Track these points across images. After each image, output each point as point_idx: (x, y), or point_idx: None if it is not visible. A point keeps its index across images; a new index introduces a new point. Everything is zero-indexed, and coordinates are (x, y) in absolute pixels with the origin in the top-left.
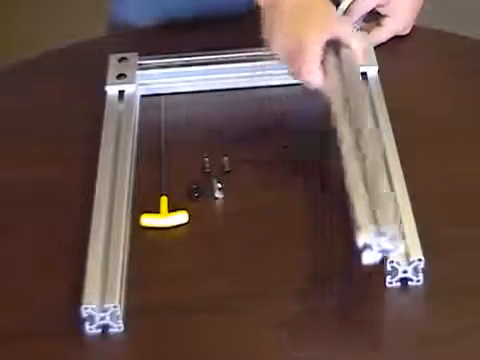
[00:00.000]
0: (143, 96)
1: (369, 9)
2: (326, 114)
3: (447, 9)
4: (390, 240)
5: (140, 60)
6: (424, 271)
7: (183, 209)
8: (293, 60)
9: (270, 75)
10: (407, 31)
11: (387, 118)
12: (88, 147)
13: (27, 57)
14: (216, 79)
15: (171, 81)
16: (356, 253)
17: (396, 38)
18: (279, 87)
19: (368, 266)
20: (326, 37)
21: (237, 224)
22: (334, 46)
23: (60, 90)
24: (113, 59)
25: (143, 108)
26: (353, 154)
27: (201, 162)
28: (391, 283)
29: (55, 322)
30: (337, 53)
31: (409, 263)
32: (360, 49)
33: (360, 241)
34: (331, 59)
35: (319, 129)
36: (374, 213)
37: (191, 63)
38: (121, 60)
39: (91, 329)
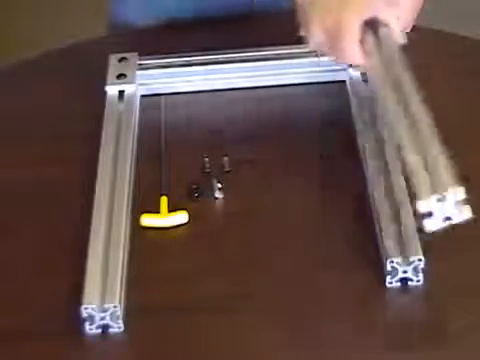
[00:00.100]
0: (143, 96)
1: None
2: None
3: (447, 9)
4: (454, 204)
5: (140, 60)
6: (424, 271)
7: (183, 209)
8: (333, 41)
9: (270, 75)
10: (407, 31)
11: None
12: (88, 147)
13: (27, 57)
14: (216, 79)
15: (171, 81)
16: (356, 253)
17: None
18: (279, 87)
19: (368, 266)
20: (364, 16)
21: (237, 224)
22: (372, 25)
23: (60, 90)
24: (113, 59)
25: (143, 108)
26: (404, 122)
27: (201, 162)
28: (391, 283)
29: (55, 322)
30: (375, 32)
31: (409, 263)
32: (398, 28)
33: (422, 208)
34: (370, 38)
35: (319, 129)
36: (432, 178)
37: (191, 63)
38: (121, 60)
39: (91, 329)
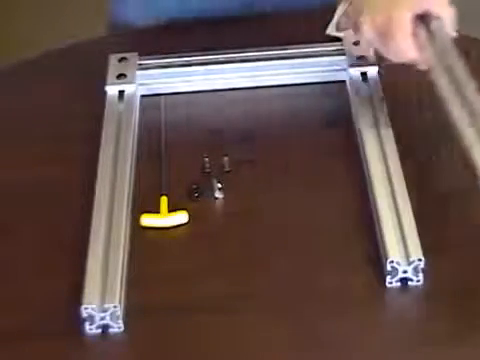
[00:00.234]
0: (143, 96)
1: None
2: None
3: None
4: None
5: (140, 60)
6: (424, 271)
7: (183, 209)
8: (384, 37)
9: (270, 75)
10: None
11: (387, 118)
12: (88, 147)
13: (27, 57)
14: (216, 79)
15: (171, 81)
16: (356, 253)
17: None
18: (279, 87)
19: (368, 266)
20: (416, 10)
21: (237, 224)
22: (423, 19)
23: (60, 90)
24: (113, 59)
25: (143, 108)
26: (462, 111)
27: (201, 162)
28: (391, 283)
29: (55, 322)
30: (427, 25)
31: (409, 263)
32: (450, 20)
33: None
34: (422, 32)
35: (319, 129)
36: None
37: (191, 63)
38: (121, 60)
39: (91, 329)
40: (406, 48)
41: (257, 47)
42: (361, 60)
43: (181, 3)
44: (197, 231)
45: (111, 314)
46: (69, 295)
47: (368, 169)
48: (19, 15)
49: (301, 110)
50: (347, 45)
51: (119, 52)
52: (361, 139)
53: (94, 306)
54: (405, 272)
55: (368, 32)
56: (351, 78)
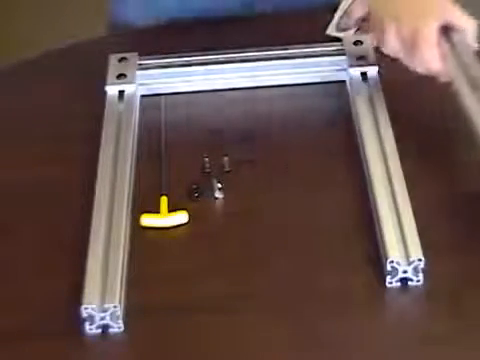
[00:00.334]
0: (143, 96)
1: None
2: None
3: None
4: None
5: (140, 60)
6: (424, 271)
7: (183, 209)
8: (409, 48)
9: (270, 75)
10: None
11: (387, 118)
12: (88, 147)
13: (27, 57)
14: (216, 79)
15: (171, 81)
16: (356, 253)
17: None
18: (279, 87)
19: (368, 266)
20: (440, 22)
21: (237, 224)
22: (446, 30)
23: (60, 90)
24: (113, 59)
25: (143, 108)
26: None
27: (201, 162)
28: (391, 283)
29: (55, 322)
30: (449, 37)
31: (409, 263)
32: (472, 32)
33: None
34: (445, 44)
35: (319, 129)
36: None
37: (191, 63)
38: (121, 60)
39: (91, 329)
40: (431, 58)
41: (257, 47)
42: (361, 60)
43: (181, 3)
44: (197, 231)
45: (111, 314)
46: (69, 295)
47: (368, 169)
48: (19, 15)
49: (301, 110)
50: (347, 45)
51: (119, 52)
52: (361, 139)
53: (94, 306)
54: (405, 272)
55: (393, 42)
56: (351, 78)
